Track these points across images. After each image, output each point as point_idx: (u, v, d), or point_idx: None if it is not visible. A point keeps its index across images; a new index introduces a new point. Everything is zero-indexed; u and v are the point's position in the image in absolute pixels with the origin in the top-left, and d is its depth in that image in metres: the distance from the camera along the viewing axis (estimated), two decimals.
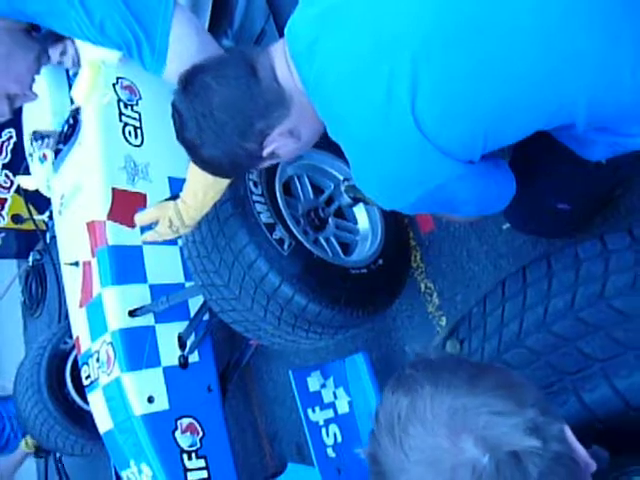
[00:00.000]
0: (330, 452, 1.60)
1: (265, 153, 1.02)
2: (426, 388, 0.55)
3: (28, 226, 4.07)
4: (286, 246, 1.46)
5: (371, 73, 0.88)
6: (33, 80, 1.17)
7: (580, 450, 0.56)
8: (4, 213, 4.09)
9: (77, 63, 2.17)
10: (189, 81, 1.00)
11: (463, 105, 0.87)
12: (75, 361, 2.42)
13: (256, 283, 1.45)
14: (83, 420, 2.37)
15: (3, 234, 4.16)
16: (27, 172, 2.39)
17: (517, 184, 1.09)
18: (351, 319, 1.56)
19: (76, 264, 2.00)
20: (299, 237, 1.51)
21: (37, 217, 3.52)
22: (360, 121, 0.92)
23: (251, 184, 1.49)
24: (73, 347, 2.38)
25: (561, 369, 0.82)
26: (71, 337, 2.52)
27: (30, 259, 4.19)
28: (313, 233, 1.67)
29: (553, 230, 1.36)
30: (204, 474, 1.82)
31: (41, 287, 4.30)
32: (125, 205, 1.95)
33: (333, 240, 1.71)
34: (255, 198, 1.49)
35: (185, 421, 1.85)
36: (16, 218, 4.10)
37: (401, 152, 0.91)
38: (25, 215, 4.02)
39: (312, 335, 1.56)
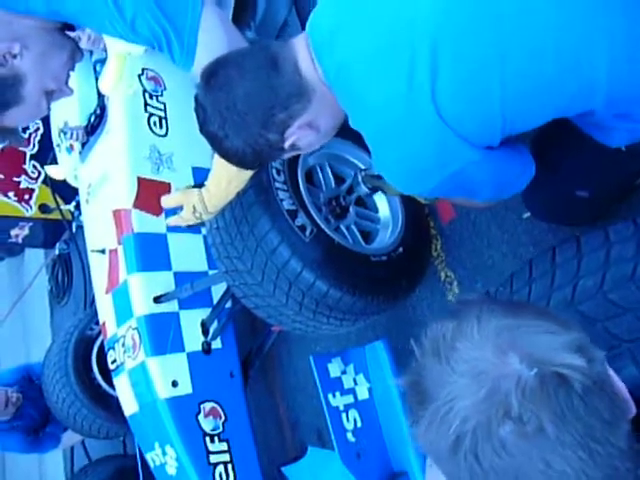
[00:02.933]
0: (350, 437, 1.62)
1: (286, 145, 1.04)
2: (473, 312, 0.57)
3: (55, 216, 4.15)
4: (308, 233, 1.49)
5: (392, 60, 0.90)
6: (68, 76, 1.22)
7: (620, 385, 0.57)
8: (32, 203, 4.18)
9: (96, 42, 2.18)
10: (212, 75, 1.03)
11: (481, 89, 0.88)
12: (101, 346, 2.49)
13: (278, 269, 1.48)
14: (108, 404, 2.44)
15: (31, 224, 4.25)
16: (55, 162, 2.45)
17: (536, 170, 1.10)
18: (371, 306, 1.58)
19: (102, 251, 2.05)
20: (321, 224, 1.53)
21: (64, 207, 3.59)
22: (381, 107, 0.94)
23: (274, 172, 1.52)
24: (99, 333, 2.45)
25: None
26: (97, 323, 2.59)
27: (57, 248, 4.28)
28: (335, 221, 1.69)
29: (573, 218, 1.36)
30: (226, 457, 1.87)
31: (67, 276, 4.39)
32: (150, 194, 1.99)
33: (354, 228, 1.73)
34: (278, 185, 1.51)
35: (208, 405, 1.89)
36: (43, 208, 4.18)
37: (421, 137, 0.93)
38: (52, 205, 4.11)
39: (333, 321, 1.59)
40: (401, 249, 1.67)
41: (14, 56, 1.07)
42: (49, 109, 1.24)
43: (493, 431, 0.52)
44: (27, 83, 1.11)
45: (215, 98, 1.02)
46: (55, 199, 3.88)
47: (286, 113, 1.00)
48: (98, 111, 2.14)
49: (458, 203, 1.60)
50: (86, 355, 2.54)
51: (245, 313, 1.85)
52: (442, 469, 0.58)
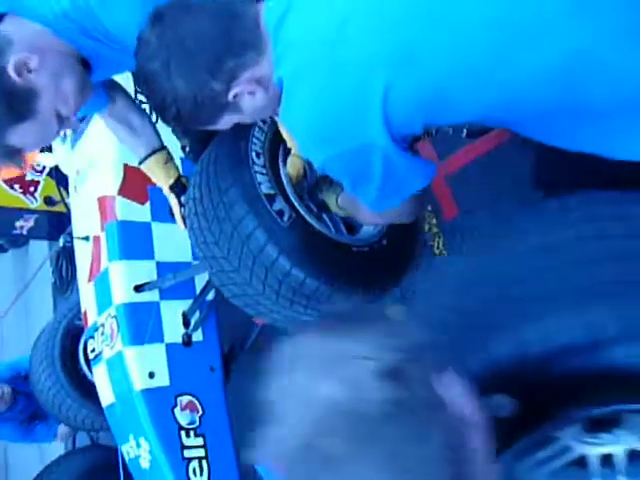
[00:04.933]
0: None
1: (230, 98, 0.96)
2: (307, 334, 0.62)
3: (60, 208, 4.17)
4: (286, 218, 1.43)
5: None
6: (78, 108, 1.19)
7: (457, 399, 0.58)
8: (37, 195, 4.20)
9: None
10: (162, 13, 0.95)
11: (419, 57, 0.84)
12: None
13: (254, 255, 1.42)
14: (94, 395, 2.40)
15: (36, 216, 4.27)
16: (49, 150, 2.44)
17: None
18: (351, 298, 1.52)
19: (87, 239, 2.02)
20: (300, 210, 1.48)
21: (68, 200, 3.59)
22: (311, 45, 0.89)
23: (253, 154, 1.47)
24: None
25: None
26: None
27: (61, 241, 4.29)
28: (318, 210, 1.64)
29: None
30: (201, 452, 1.82)
31: (71, 268, 4.40)
32: (136, 182, 1.96)
33: (338, 219, 1.68)
34: (257, 169, 1.47)
35: (185, 399, 1.84)
36: (48, 200, 4.21)
37: (345, 97, 0.88)
38: (57, 197, 4.13)
39: (310, 312, 1.53)
40: (385, 241, 1.61)
41: (29, 70, 1.06)
42: (58, 134, 1.22)
43: (313, 445, 0.55)
44: (41, 99, 1.09)
45: (162, 33, 0.93)
46: (60, 192, 3.90)
47: (237, 61, 0.93)
48: None
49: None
50: (73, 345, 2.52)
51: (228, 305, 1.80)
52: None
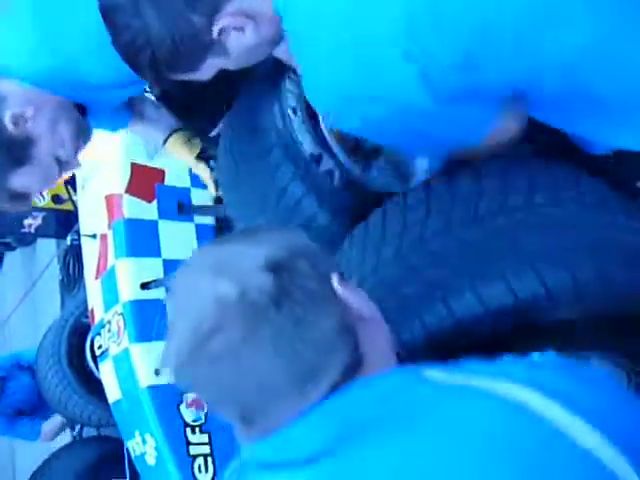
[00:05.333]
0: None
1: (214, 35, 0.83)
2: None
3: (67, 207, 4.20)
4: (336, 178, 1.28)
5: None
6: (77, 151, 1.24)
7: (354, 299, 0.64)
8: (45, 193, 4.22)
9: None
10: None
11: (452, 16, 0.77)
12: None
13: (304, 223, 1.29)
14: (100, 391, 2.42)
15: (44, 214, 4.30)
16: None
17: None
18: None
19: (94, 236, 2.04)
20: (349, 167, 1.32)
21: (76, 198, 3.61)
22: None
23: (290, 110, 1.31)
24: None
25: None
26: None
27: (68, 239, 4.32)
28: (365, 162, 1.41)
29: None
30: (206, 449, 1.83)
31: (78, 266, 4.42)
32: (143, 180, 1.98)
33: (389, 168, 1.51)
34: (295, 126, 1.30)
35: (191, 395, 1.85)
36: (56, 198, 4.23)
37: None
38: (65, 196, 4.16)
39: None
40: None
41: (26, 120, 1.11)
42: (61, 176, 1.27)
43: (202, 346, 0.59)
44: (38, 145, 1.15)
45: None
46: (68, 190, 3.92)
47: None
48: None
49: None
50: (80, 343, 2.54)
51: None
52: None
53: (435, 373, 0.61)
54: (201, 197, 2.05)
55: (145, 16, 0.80)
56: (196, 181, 2.06)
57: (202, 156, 1.62)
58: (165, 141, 1.60)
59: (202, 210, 2.04)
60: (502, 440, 0.53)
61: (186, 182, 2.07)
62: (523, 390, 0.56)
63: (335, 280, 0.64)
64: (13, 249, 5.15)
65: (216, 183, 1.57)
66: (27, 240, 4.82)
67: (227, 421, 0.66)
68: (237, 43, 0.85)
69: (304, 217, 1.26)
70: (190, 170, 2.07)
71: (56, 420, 2.97)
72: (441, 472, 0.53)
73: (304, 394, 0.59)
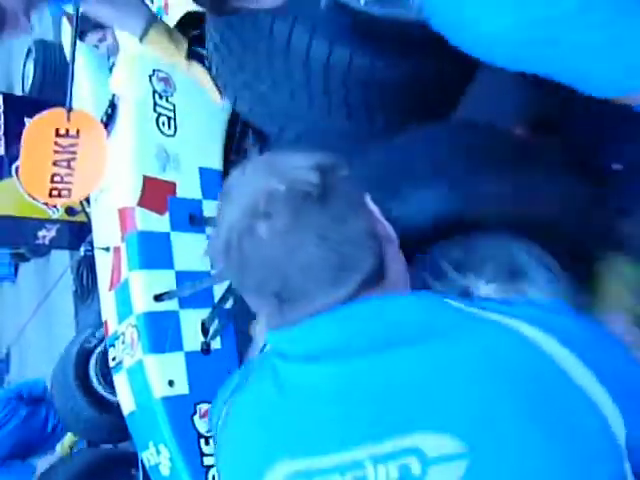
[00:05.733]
0: None
1: None
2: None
3: (81, 218, 4.24)
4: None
5: None
6: (27, 13, 1.18)
7: (378, 216, 0.75)
8: (59, 205, 4.27)
9: (113, 52, 2.25)
10: None
11: None
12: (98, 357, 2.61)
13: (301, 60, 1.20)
14: (110, 410, 2.49)
15: (57, 225, 4.34)
16: None
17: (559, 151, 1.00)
18: None
19: (107, 249, 2.06)
20: None
21: (89, 209, 3.66)
22: None
23: None
24: (96, 345, 2.54)
25: None
26: (94, 335, 2.67)
27: (81, 250, 4.35)
28: None
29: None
30: None
31: (92, 277, 4.47)
32: (155, 192, 2.00)
33: None
34: None
35: (204, 406, 1.87)
36: (69, 210, 4.28)
37: None
38: (78, 208, 4.20)
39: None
40: None
41: None
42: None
43: (251, 230, 0.67)
44: None
45: None
46: (81, 202, 3.97)
47: None
48: (109, 110, 2.16)
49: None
50: (85, 369, 2.63)
51: (246, 313, 1.83)
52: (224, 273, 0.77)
53: (455, 302, 0.70)
54: (213, 208, 2.07)
55: None
56: (208, 192, 2.09)
57: (193, 54, 1.48)
58: (144, 35, 1.46)
59: (214, 221, 2.06)
60: (506, 365, 0.62)
61: (198, 194, 2.09)
62: (529, 327, 0.64)
63: (368, 199, 0.74)
64: (27, 260, 5.21)
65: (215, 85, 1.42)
66: (41, 251, 4.87)
67: (258, 308, 0.74)
68: None
69: (300, 55, 1.16)
70: (202, 182, 2.10)
71: (53, 458, 2.97)
72: (449, 382, 0.62)
73: (337, 283, 0.67)
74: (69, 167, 1.94)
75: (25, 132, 1.94)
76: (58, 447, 2.96)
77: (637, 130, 0.98)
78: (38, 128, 1.93)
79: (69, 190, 1.98)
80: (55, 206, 4.29)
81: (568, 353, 0.61)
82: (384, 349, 0.65)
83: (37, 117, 1.92)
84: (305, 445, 0.65)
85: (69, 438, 2.96)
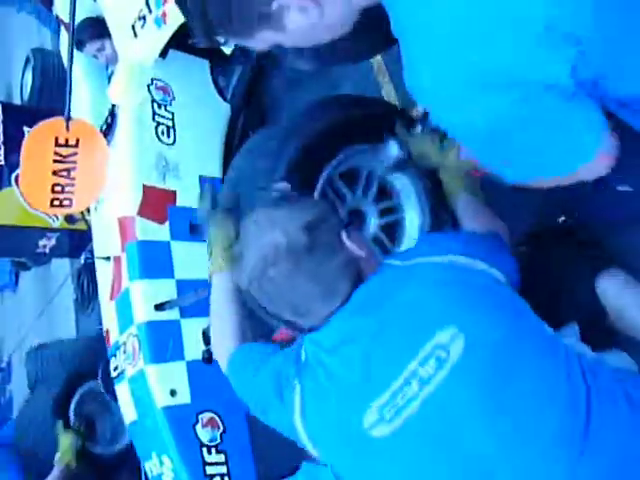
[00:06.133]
0: None
1: (274, 6, 0.75)
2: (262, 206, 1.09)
3: (81, 226, 4.24)
4: None
5: None
6: None
7: (355, 245, 1.02)
8: (59, 214, 4.26)
9: (112, 61, 2.25)
10: None
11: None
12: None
13: None
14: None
15: (57, 234, 4.33)
16: None
17: None
18: None
19: (108, 259, 2.06)
20: None
21: (89, 217, 3.66)
22: None
23: None
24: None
25: None
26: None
27: (82, 258, 4.35)
28: None
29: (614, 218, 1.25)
30: (223, 469, 1.83)
31: (92, 285, 4.46)
32: (155, 201, 2.00)
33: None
34: None
35: (206, 415, 1.86)
36: (69, 218, 4.27)
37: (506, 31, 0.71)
38: (78, 215, 4.20)
39: None
40: None
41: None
42: None
43: (265, 273, 0.98)
44: None
45: None
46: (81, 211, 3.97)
47: None
48: (109, 119, 2.17)
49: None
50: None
51: (249, 322, 1.82)
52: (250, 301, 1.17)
53: (394, 261, 1.05)
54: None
55: None
56: None
57: None
58: None
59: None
60: (453, 276, 0.99)
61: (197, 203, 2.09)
62: (454, 255, 1.00)
63: (344, 235, 1.02)
64: (28, 269, 5.20)
65: None
66: (42, 260, 4.87)
67: (283, 319, 1.05)
68: (296, 22, 0.78)
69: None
70: (201, 189, 2.10)
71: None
72: (433, 299, 0.95)
73: (329, 302, 0.99)
74: (69, 177, 1.94)
75: (25, 142, 1.94)
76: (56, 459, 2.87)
77: None
78: (38, 138, 1.93)
79: (70, 200, 1.98)
80: (55, 214, 4.29)
81: (463, 257, 1.00)
82: (382, 304, 0.97)
83: (36, 127, 1.92)
84: (378, 385, 0.93)
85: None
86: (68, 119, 1.90)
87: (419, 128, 1.31)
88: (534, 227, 1.43)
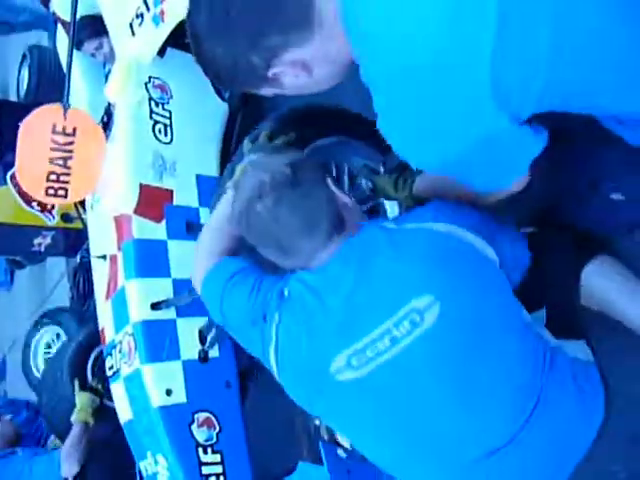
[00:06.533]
0: (341, 453, 1.57)
1: (270, 74, 0.93)
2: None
3: (77, 225, 4.22)
4: None
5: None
6: None
7: (339, 191, 1.10)
8: (54, 212, 4.25)
9: (110, 60, 2.24)
10: None
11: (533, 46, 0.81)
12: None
13: None
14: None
15: (53, 233, 4.32)
16: None
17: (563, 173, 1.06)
18: None
19: (104, 257, 2.05)
20: None
21: (85, 216, 3.64)
22: (419, 44, 0.83)
23: None
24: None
25: None
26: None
27: (78, 257, 4.34)
28: None
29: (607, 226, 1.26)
30: (219, 469, 1.82)
31: (88, 284, 4.44)
32: (152, 200, 1.99)
33: None
34: None
35: (202, 415, 1.85)
36: (65, 217, 4.25)
37: (456, 89, 0.84)
38: (74, 214, 4.18)
39: None
40: None
41: None
42: None
43: (252, 207, 1.04)
44: None
45: None
46: (77, 209, 3.95)
47: (280, 39, 0.87)
48: (105, 118, 2.16)
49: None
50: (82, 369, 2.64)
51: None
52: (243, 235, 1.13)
53: (389, 223, 1.08)
54: (209, 216, 2.06)
55: (214, 43, 0.92)
56: (204, 200, 2.08)
57: None
58: None
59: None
60: (437, 244, 1.01)
61: (194, 201, 2.08)
62: (449, 225, 1.02)
63: (329, 179, 1.09)
64: (23, 267, 5.18)
65: None
66: (37, 259, 4.85)
67: (268, 256, 1.10)
68: (291, 83, 0.96)
69: None
70: (199, 189, 2.10)
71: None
72: (415, 265, 1.00)
73: (311, 235, 1.03)
74: (65, 166, 1.94)
75: (21, 128, 1.94)
76: (74, 417, 2.84)
77: (636, 161, 1.01)
78: (35, 123, 1.92)
79: (65, 190, 1.98)
80: (51, 212, 4.26)
81: (456, 227, 1.01)
82: (369, 261, 1.01)
83: (34, 112, 1.92)
84: (350, 335, 0.99)
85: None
86: (66, 107, 1.90)
87: (382, 169, 1.51)
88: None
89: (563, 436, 1.00)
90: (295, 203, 1.02)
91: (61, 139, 1.91)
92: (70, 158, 1.93)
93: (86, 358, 2.73)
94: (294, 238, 1.04)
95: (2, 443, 2.83)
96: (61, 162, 1.91)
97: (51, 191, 1.94)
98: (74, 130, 1.91)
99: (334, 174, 1.71)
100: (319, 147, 1.70)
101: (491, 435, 0.98)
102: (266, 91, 0.99)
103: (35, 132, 1.92)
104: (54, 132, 1.89)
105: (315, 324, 1.02)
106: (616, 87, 0.86)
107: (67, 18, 2.15)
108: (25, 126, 1.89)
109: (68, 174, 1.94)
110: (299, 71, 0.92)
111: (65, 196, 1.96)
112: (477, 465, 0.99)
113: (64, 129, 1.90)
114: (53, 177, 1.92)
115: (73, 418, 2.59)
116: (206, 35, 0.91)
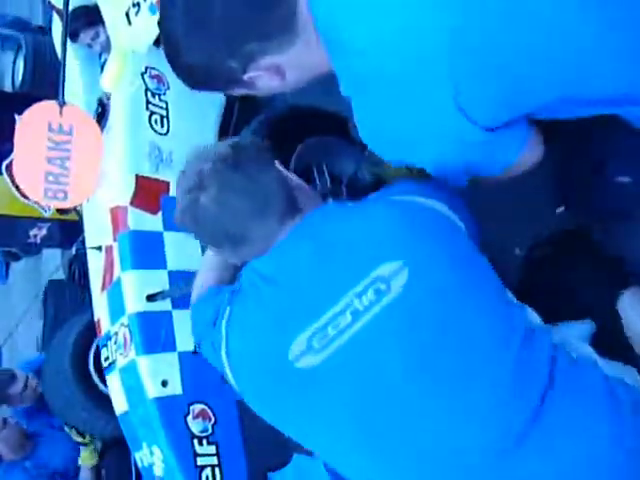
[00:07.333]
0: None
1: (245, 77, 0.92)
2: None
3: (72, 217, 4.21)
4: None
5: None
6: None
7: (291, 175, 1.06)
8: (50, 204, 4.23)
9: (107, 49, 2.23)
10: None
11: (494, 58, 0.82)
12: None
13: None
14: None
15: (49, 224, 4.30)
16: None
17: (571, 154, 1.04)
18: None
19: (99, 248, 2.04)
20: None
21: (80, 208, 3.63)
22: (387, 56, 0.85)
23: None
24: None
25: None
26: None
27: (73, 249, 4.32)
28: None
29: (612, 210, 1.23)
30: (214, 460, 1.83)
31: (84, 276, 4.42)
32: (148, 191, 1.99)
33: None
34: None
35: (197, 407, 1.85)
36: (61, 209, 4.25)
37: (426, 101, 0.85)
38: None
39: None
40: None
41: None
42: None
43: (196, 200, 0.95)
44: None
45: None
46: None
47: (259, 46, 0.87)
48: (99, 109, 2.14)
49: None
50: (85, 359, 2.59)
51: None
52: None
53: (347, 203, 1.02)
54: None
55: (191, 45, 0.90)
56: None
57: None
58: None
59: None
60: (411, 213, 0.94)
61: None
62: (414, 196, 0.96)
63: (277, 162, 1.02)
64: (18, 259, 5.16)
65: None
66: (32, 250, 4.83)
67: (220, 253, 1.09)
68: (264, 86, 0.96)
69: None
70: None
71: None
72: (383, 232, 0.92)
73: (263, 219, 0.95)
74: (63, 166, 1.92)
75: (17, 127, 1.92)
76: (80, 459, 2.84)
77: None
78: (30, 121, 1.90)
79: (64, 192, 1.96)
80: (48, 205, 4.25)
81: (435, 201, 0.95)
82: (325, 234, 0.94)
83: (29, 109, 1.90)
84: (309, 314, 0.90)
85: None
86: (61, 104, 1.88)
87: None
88: (539, 227, 1.43)
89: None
90: (241, 185, 0.94)
91: (58, 137, 1.88)
92: (68, 159, 1.91)
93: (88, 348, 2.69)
94: (246, 223, 0.95)
95: (9, 449, 2.80)
96: (59, 162, 1.89)
97: (50, 194, 1.92)
98: (70, 128, 1.89)
99: (315, 174, 1.70)
100: (308, 145, 1.70)
101: (487, 433, 0.84)
102: (237, 92, 1.00)
103: (31, 130, 1.90)
104: (50, 130, 1.87)
105: (270, 309, 0.93)
106: (579, 78, 0.86)
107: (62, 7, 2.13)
108: (20, 125, 1.87)
109: (66, 175, 1.92)
110: (273, 75, 0.93)
111: (65, 199, 1.94)
112: (476, 468, 0.85)
113: (60, 127, 1.88)
114: (51, 178, 1.90)
115: (80, 463, 2.73)
116: (182, 37, 0.89)
